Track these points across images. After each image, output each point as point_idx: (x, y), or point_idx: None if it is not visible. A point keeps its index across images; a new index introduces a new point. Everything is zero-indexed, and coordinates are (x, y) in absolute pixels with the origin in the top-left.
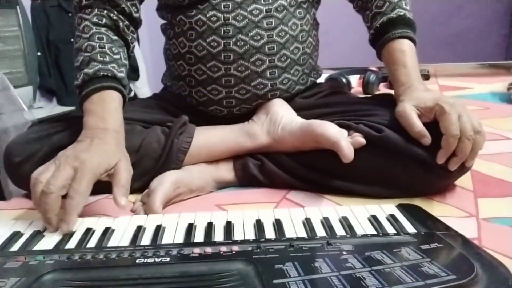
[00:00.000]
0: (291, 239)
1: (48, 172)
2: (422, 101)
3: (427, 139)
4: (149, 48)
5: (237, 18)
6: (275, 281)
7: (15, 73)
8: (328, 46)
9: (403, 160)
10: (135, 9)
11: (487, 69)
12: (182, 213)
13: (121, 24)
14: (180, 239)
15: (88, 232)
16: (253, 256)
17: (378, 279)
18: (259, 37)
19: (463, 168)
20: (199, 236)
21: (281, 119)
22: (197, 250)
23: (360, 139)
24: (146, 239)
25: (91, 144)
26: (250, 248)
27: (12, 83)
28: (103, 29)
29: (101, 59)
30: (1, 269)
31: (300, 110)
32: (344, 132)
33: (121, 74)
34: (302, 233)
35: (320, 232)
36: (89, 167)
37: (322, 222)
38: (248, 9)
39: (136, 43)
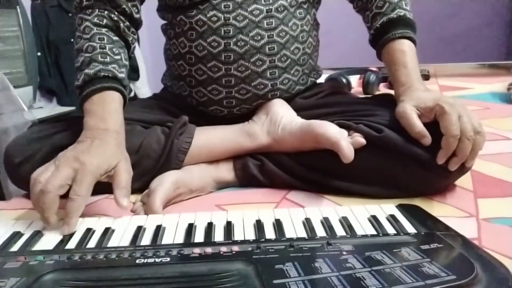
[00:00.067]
0: (291, 239)
1: (48, 172)
2: (422, 101)
3: (427, 139)
4: (149, 48)
5: (238, 18)
6: (275, 281)
7: (15, 73)
8: (328, 46)
9: (403, 160)
10: (136, 10)
11: (487, 69)
12: (182, 213)
13: (121, 24)
14: (180, 239)
15: (88, 232)
16: (253, 256)
17: (378, 279)
18: (259, 37)
19: (463, 168)
20: (199, 236)
21: (281, 119)
22: (197, 250)
23: (360, 139)
24: (146, 239)
25: (91, 145)
26: (250, 248)
27: (12, 83)
28: (103, 30)
29: (102, 59)
30: (1, 269)
31: (300, 110)
32: (344, 132)
33: (122, 74)
34: (302, 233)
35: (320, 232)
36: (89, 168)
37: (322, 222)
38: (249, 9)
39: (136, 44)
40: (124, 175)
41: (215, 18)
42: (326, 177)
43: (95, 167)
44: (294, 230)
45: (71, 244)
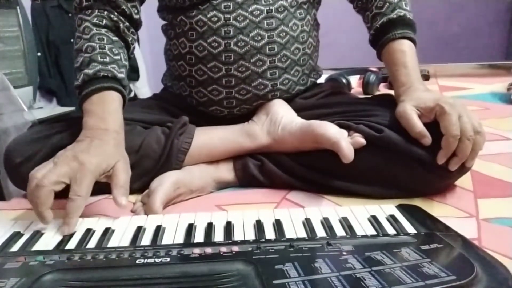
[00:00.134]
0: (291, 239)
1: (45, 169)
2: (423, 101)
3: (428, 140)
4: (149, 49)
5: (238, 18)
6: (275, 282)
7: (15, 73)
8: (328, 47)
9: (403, 161)
10: (136, 11)
11: (487, 69)
12: (182, 214)
13: (121, 25)
14: (180, 239)
15: (88, 232)
16: (253, 257)
17: (378, 280)
18: (259, 37)
19: (463, 168)
20: (199, 237)
21: (281, 119)
22: (197, 251)
23: (360, 140)
24: (146, 240)
25: (90, 144)
26: (250, 249)
27: (12, 84)
28: (103, 30)
29: (101, 59)
30: (1, 270)
31: (300, 111)
32: (344, 132)
33: (121, 75)
34: (302, 234)
35: (320, 232)
36: (88, 168)
37: (322, 223)
38: (249, 10)
39: (136, 44)
40: (122, 175)
41: (215, 19)
42: (326, 177)
43: (94, 167)
44: (294, 230)
45: (71, 244)
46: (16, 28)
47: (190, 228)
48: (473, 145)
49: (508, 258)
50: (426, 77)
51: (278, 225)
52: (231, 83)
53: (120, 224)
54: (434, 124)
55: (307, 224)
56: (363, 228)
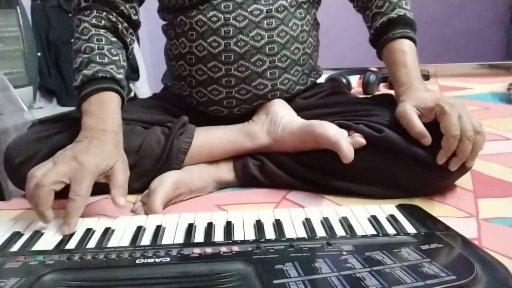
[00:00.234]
0: (291, 239)
1: (44, 168)
2: (423, 101)
3: (428, 140)
4: (149, 48)
5: (238, 18)
6: (275, 282)
7: (15, 73)
8: (328, 47)
9: (403, 160)
10: (134, 11)
11: (487, 69)
12: (182, 213)
13: (120, 26)
14: (180, 239)
15: (88, 232)
16: (253, 257)
17: (378, 280)
18: (259, 37)
19: (463, 168)
20: (199, 237)
21: (281, 119)
22: (197, 251)
23: (360, 140)
24: (146, 240)
25: (89, 145)
26: (250, 249)
27: (12, 83)
28: (102, 31)
29: (100, 60)
30: (1, 270)
31: (300, 111)
32: (344, 132)
33: (120, 75)
34: (302, 234)
35: (320, 232)
36: (88, 168)
37: (322, 222)
38: (249, 10)
39: (136, 44)
40: (121, 175)
41: (215, 19)
42: (326, 177)
43: (93, 167)
44: (294, 230)
45: (71, 244)
46: (16, 28)
47: (190, 228)
48: (473, 145)
49: (508, 258)
50: (426, 77)
51: (278, 225)
52: (231, 83)
53: (120, 224)
54: (434, 124)
55: (307, 224)
56: (363, 228)
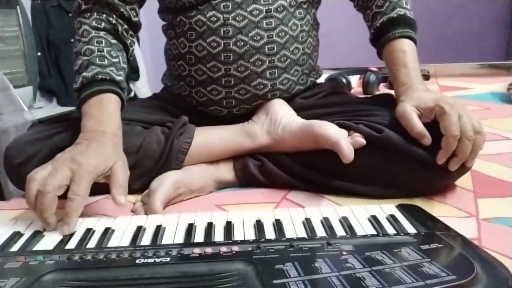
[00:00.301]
0: (291, 239)
1: (44, 171)
2: (423, 101)
3: (427, 140)
4: (149, 48)
5: (237, 18)
6: (275, 281)
7: (15, 73)
8: (328, 47)
9: (403, 160)
10: (134, 13)
11: (487, 69)
12: (182, 213)
13: (120, 28)
14: (180, 239)
15: (88, 232)
16: (253, 256)
17: (378, 279)
18: (259, 37)
19: (463, 168)
20: (199, 236)
21: (281, 119)
22: (197, 250)
23: (360, 139)
24: (146, 239)
25: (88, 146)
26: (250, 248)
27: (12, 83)
28: (102, 33)
29: (100, 62)
30: (1, 269)
31: (300, 110)
32: (344, 132)
33: (120, 77)
34: (302, 233)
35: (320, 232)
36: (86, 169)
37: (322, 222)
38: (248, 10)
39: (136, 45)
40: (121, 174)
41: (215, 19)
42: (326, 177)
43: (92, 168)
44: (294, 230)
45: (71, 244)
46: (16, 28)
47: (190, 228)
48: (473, 145)
49: (508, 258)
50: (426, 77)
51: (278, 225)
52: (231, 83)
53: (120, 224)
54: (434, 124)
55: (307, 224)
56: (363, 228)
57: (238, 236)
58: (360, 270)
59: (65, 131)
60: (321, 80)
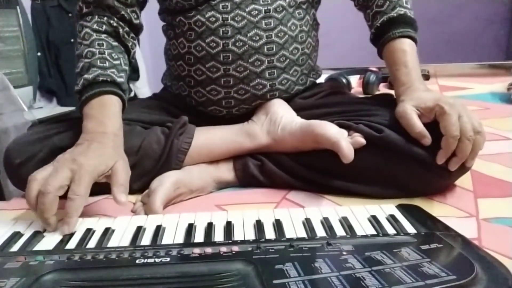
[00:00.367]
0: (291, 239)
1: (45, 171)
2: (423, 101)
3: (427, 140)
4: (149, 48)
5: (236, 18)
6: (275, 281)
7: (15, 73)
8: (328, 47)
9: (403, 160)
10: (135, 16)
11: (487, 69)
12: (182, 213)
13: (121, 30)
14: (180, 239)
15: (88, 232)
16: (253, 257)
17: (378, 279)
18: (258, 37)
19: (463, 168)
20: (199, 237)
21: (281, 119)
22: (197, 251)
23: (360, 139)
24: (146, 240)
25: (89, 147)
26: (250, 249)
27: (12, 83)
28: (103, 36)
29: (101, 64)
30: (1, 270)
31: (300, 110)
32: (344, 132)
33: (121, 79)
34: (302, 233)
35: (320, 232)
36: (86, 169)
37: (322, 222)
38: (247, 10)
39: (136, 48)
40: (122, 173)
41: (214, 19)
42: (326, 177)
43: (92, 168)
44: (294, 230)
45: (71, 244)
46: (16, 28)
47: (190, 228)
48: (473, 145)
49: (508, 258)
50: (426, 77)
51: (278, 225)
52: (230, 83)
53: (120, 224)
54: (434, 124)
55: (307, 224)
56: (363, 228)
57: (238, 236)
58: (360, 270)
59: (65, 131)
60: (321, 80)
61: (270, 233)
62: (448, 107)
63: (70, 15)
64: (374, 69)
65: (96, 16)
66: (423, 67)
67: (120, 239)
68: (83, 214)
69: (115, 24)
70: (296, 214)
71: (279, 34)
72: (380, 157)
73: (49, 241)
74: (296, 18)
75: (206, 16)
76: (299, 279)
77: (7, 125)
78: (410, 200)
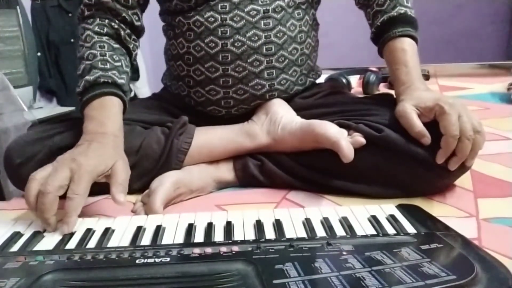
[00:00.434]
0: (291, 239)
1: (44, 171)
2: (422, 101)
3: (427, 139)
4: (149, 48)
5: (234, 18)
6: (275, 281)
7: (15, 73)
8: (328, 47)
9: (403, 160)
10: (136, 18)
11: (487, 69)
12: (182, 213)
13: (122, 32)
14: (180, 239)
15: (88, 232)
16: (253, 257)
17: (378, 279)
18: (256, 37)
19: (463, 168)
20: (199, 237)
21: (281, 119)
22: (197, 251)
23: (360, 139)
24: (146, 240)
25: (89, 147)
26: (250, 248)
27: (12, 83)
28: (104, 38)
29: (102, 66)
30: (1, 270)
31: (299, 110)
32: (344, 132)
33: (122, 80)
34: (302, 233)
35: (320, 232)
36: (86, 169)
37: (322, 222)
38: (245, 10)
39: (138, 50)
40: (121, 173)
41: (212, 19)
42: (326, 177)
43: (91, 168)
44: (294, 230)
45: (71, 244)
46: (16, 28)
47: (190, 228)
48: (472, 144)
49: (508, 258)
50: (426, 77)
51: (278, 225)
52: (229, 83)
53: (120, 224)
54: (433, 124)
55: (307, 224)
56: (363, 228)
57: (238, 236)
58: (360, 270)
59: (65, 131)
60: (321, 80)
61: (270, 233)
62: (448, 107)
63: (70, 15)
64: (374, 69)
65: (98, 19)
66: (423, 67)
67: (120, 239)
68: (83, 214)
69: (116, 26)
70: (296, 214)
71: (278, 35)
72: (380, 157)
73: (49, 241)
74: (295, 19)
75: (205, 16)
76: (299, 279)
77: (7, 125)
78: (410, 200)
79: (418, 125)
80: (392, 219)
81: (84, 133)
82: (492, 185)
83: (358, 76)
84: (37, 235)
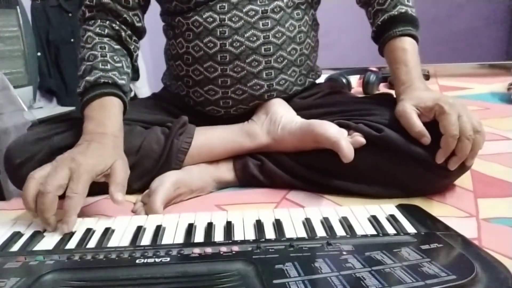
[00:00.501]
0: (291, 239)
1: (43, 171)
2: (422, 100)
3: (427, 139)
4: (149, 48)
5: (233, 19)
6: (275, 281)
7: (15, 73)
8: (328, 47)
9: (403, 160)
10: (137, 19)
11: (487, 69)
12: (182, 213)
13: (123, 33)
14: (180, 239)
15: (88, 232)
16: (253, 256)
17: (378, 279)
18: (255, 38)
19: (463, 168)
20: (199, 236)
21: (281, 119)
22: (197, 250)
23: (360, 139)
24: (146, 239)
25: (88, 147)
26: (250, 248)
27: (12, 83)
28: (105, 39)
29: (103, 67)
30: (1, 269)
31: (299, 110)
32: (344, 131)
33: (122, 81)
34: (302, 233)
35: (320, 232)
36: (85, 168)
37: (322, 222)
38: (244, 10)
39: (139, 51)
40: (120, 173)
41: (211, 19)
42: (326, 177)
43: (90, 167)
44: (294, 230)
45: (71, 244)
46: (16, 28)
47: (190, 228)
48: (472, 144)
49: (508, 258)
50: (426, 77)
51: (278, 225)
52: (227, 83)
53: (120, 224)
54: (433, 124)
55: (307, 224)
56: (363, 228)
57: (238, 236)
58: (360, 270)
59: (65, 131)
60: (321, 80)
61: (270, 233)
62: (447, 107)
63: (70, 15)
64: (374, 69)
65: (99, 20)
66: (423, 67)
67: (120, 239)
68: (83, 214)
69: (117, 28)
70: (296, 214)
71: (277, 35)
72: (380, 157)
73: (49, 241)
74: (294, 19)
75: (204, 16)
76: (299, 279)
77: (7, 125)
78: (410, 200)
79: (418, 125)
80: (392, 219)
81: (84, 133)
82: (492, 185)
83: (358, 76)
84: (37, 235)
